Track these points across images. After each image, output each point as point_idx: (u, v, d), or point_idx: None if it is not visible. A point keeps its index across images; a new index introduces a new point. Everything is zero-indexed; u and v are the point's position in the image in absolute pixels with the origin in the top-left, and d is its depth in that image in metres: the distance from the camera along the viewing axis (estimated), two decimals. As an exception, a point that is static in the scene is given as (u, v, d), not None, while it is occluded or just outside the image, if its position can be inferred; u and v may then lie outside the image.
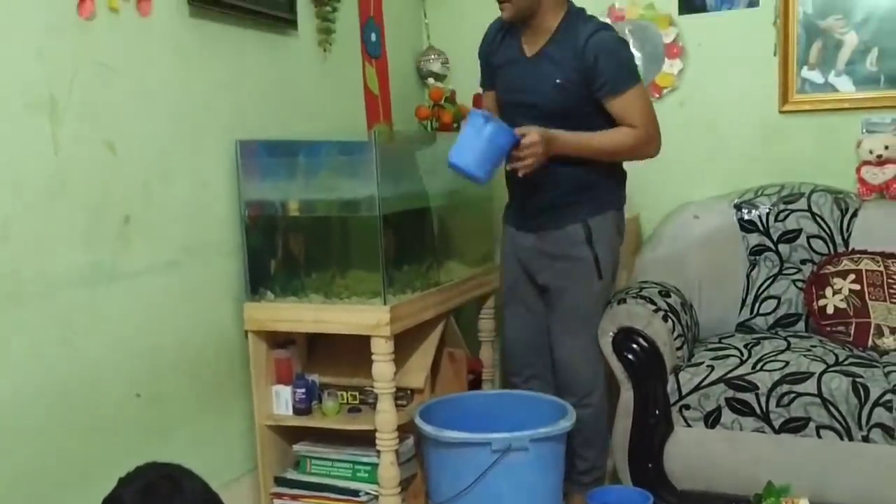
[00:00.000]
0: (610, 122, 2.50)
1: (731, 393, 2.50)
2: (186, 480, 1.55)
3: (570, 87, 2.47)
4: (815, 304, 2.87)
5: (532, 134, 2.34)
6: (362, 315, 2.39)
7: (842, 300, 2.81)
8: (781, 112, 3.23)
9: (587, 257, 2.56)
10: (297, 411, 2.53)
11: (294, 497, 2.52)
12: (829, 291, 2.85)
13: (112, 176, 2.08)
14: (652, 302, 2.68)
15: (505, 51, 2.62)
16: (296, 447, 2.60)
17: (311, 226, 2.60)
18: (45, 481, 1.91)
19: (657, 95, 3.33)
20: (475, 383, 3.09)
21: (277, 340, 2.58)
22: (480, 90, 2.81)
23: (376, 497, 2.44)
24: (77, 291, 1.99)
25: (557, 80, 2.47)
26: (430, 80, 3.52)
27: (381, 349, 2.37)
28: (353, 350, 2.49)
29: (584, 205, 2.56)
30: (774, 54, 3.21)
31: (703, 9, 3.30)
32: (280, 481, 2.56)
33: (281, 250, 2.60)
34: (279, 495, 2.53)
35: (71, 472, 1.97)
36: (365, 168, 2.42)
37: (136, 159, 2.15)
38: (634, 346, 2.58)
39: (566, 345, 2.62)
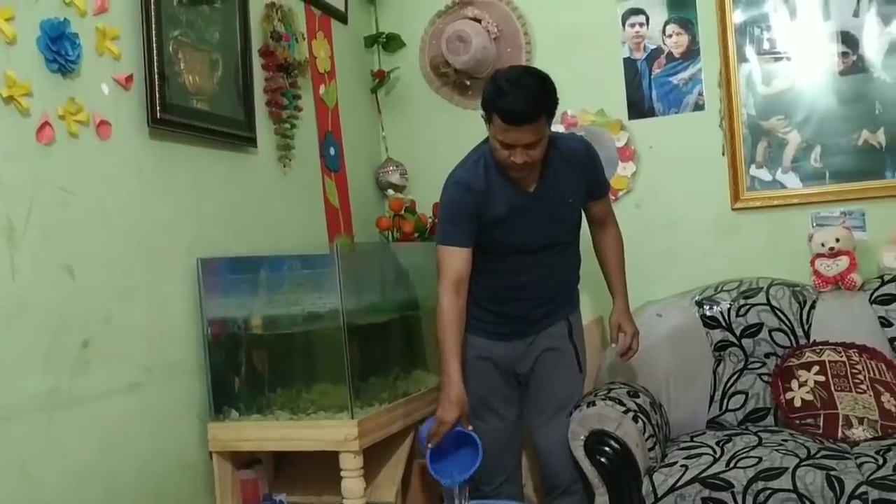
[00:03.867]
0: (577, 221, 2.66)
1: (706, 492, 2.46)
2: None
3: (577, 201, 2.59)
4: (782, 397, 2.87)
5: (627, 328, 2.71)
6: (330, 430, 2.35)
7: (808, 392, 2.83)
8: (734, 209, 3.32)
9: (570, 351, 2.62)
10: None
11: None
12: (794, 384, 2.86)
13: (70, 300, 2.05)
14: (621, 403, 2.66)
15: (499, 198, 2.44)
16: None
17: (275, 341, 2.57)
18: None
19: (613, 198, 3.39)
20: (447, 495, 3.02)
21: (243, 460, 2.51)
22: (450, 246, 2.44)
23: None
24: (33, 418, 1.93)
25: (570, 200, 2.55)
26: (390, 192, 3.56)
27: (350, 465, 2.31)
28: (322, 466, 2.43)
29: (563, 303, 2.63)
30: (723, 154, 3.32)
31: (651, 114, 3.41)
32: None
33: (245, 367, 2.56)
34: None
35: None
36: (328, 281, 2.42)
37: (96, 282, 2.13)
38: (606, 448, 2.55)
39: (550, 436, 2.63)
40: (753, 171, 3.29)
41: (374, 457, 2.49)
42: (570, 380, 2.64)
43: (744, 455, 2.56)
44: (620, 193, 3.42)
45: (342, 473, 2.32)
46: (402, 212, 3.36)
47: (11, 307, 1.90)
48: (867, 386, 2.79)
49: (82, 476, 2.05)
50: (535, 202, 2.47)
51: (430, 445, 2.32)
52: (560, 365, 2.62)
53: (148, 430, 2.28)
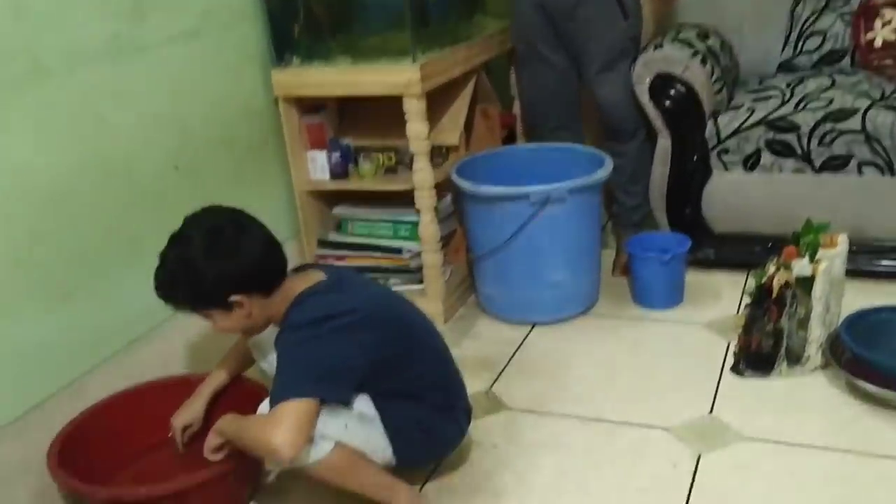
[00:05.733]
0: None
1: (771, 135, 2.45)
2: (249, 224, 1.62)
3: None
4: (862, 37, 2.74)
5: None
6: (392, 75, 2.33)
7: (891, 32, 2.68)
8: None
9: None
10: (334, 175, 2.54)
11: (339, 258, 2.59)
12: (878, 23, 2.71)
13: (116, -60, 1.97)
14: (690, 45, 2.57)
15: None
16: (336, 210, 2.64)
17: (333, -15, 2.48)
18: (96, 255, 1.97)
19: None
20: (509, 138, 3.07)
21: (308, 106, 2.54)
22: None
23: (418, 254, 2.50)
24: (99, 66, 1.95)
25: None
26: None
27: (414, 108, 2.33)
28: (385, 112, 2.45)
29: None
30: None
31: None
32: (323, 244, 2.63)
33: (303, 13, 2.50)
34: (324, 257, 2.60)
35: (119, 245, 2.03)
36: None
37: (139, -80, 2.03)
38: (672, 91, 2.51)
39: (604, 87, 2.59)
40: None
41: (437, 101, 2.50)
42: (615, 29, 2.53)
43: (814, 97, 2.50)
44: None
45: (406, 117, 2.34)
46: None
47: (59, -52, 1.83)
48: (956, 24, 2.63)
49: (154, 121, 2.11)
50: None
51: None
52: (602, 18, 2.50)
53: (213, 77, 2.29)
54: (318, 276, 1.69)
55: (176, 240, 1.60)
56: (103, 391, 1.94)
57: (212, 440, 1.69)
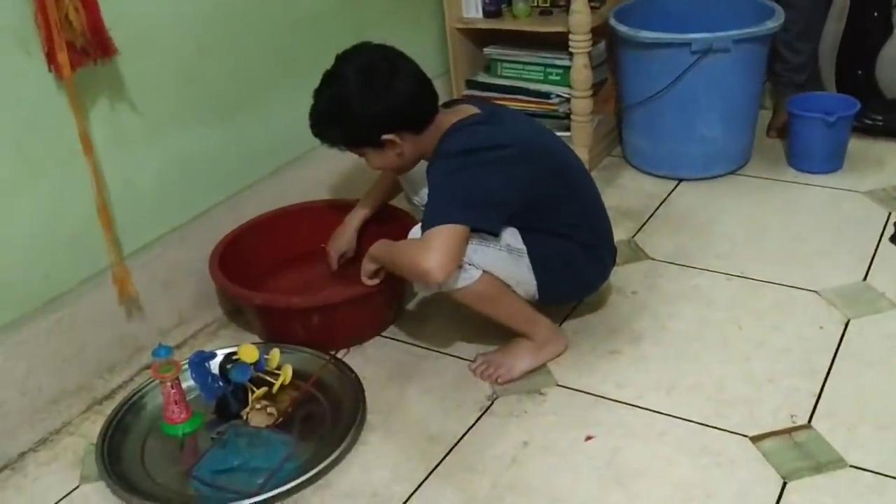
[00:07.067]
0: None
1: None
2: (401, 62, 1.60)
3: None
4: None
5: None
6: None
7: None
8: None
9: None
10: (487, 14, 2.49)
11: (486, 100, 2.56)
12: None
13: None
14: None
15: None
16: (486, 50, 2.59)
17: None
18: (255, 75, 2.01)
19: None
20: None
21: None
22: None
23: (568, 100, 2.44)
24: None
25: None
26: None
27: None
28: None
29: None
30: None
31: None
32: (471, 84, 2.60)
33: None
34: (470, 97, 2.58)
35: (277, 67, 2.06)
36: None
37: None
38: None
39: None
40: None
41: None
42: None
43: None
44: None
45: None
46: None
47: None
48: None
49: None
50: None
51: None
52: None
53: None
54: (471, 110, 1.68)
55: (329, 78, 1.60)
56: (256, 209, 2.03)
57: (367, 265, 1.74)
